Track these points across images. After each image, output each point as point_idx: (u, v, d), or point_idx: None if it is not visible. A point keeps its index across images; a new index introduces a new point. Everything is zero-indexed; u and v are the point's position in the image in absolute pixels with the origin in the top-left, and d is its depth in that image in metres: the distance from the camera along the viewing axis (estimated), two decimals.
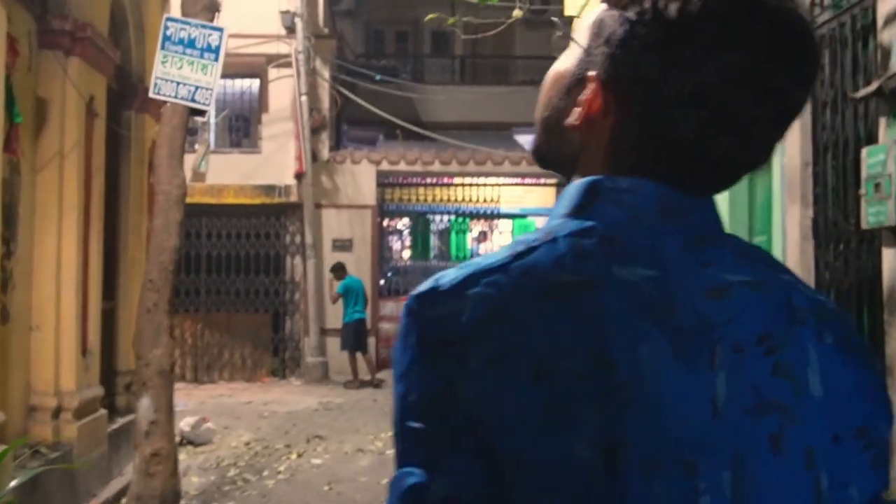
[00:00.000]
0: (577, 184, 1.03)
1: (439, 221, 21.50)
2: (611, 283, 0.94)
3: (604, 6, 1.05)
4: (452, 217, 21.55)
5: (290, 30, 17.04)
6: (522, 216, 22.39)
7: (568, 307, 0.92)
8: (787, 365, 0.95)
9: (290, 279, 17.62)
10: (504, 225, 22.65)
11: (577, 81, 1.05)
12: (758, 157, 1.03)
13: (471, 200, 20.82)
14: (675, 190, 1.00)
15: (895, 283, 5.21)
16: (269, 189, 17.32)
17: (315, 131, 17.46)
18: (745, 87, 0.96)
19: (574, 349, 0.90)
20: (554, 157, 1.11)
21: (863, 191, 5.31)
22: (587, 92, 1.03)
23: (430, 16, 6.78)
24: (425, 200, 20.57)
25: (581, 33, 1.08)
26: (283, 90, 17.47)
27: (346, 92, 18.31)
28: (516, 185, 21.03)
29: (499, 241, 22.81)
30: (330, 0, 19.25)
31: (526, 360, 0.90)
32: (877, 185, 5.16)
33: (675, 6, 0.97)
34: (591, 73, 1.03)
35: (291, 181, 17.26)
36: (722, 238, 1.02)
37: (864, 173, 5.33)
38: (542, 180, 20.88)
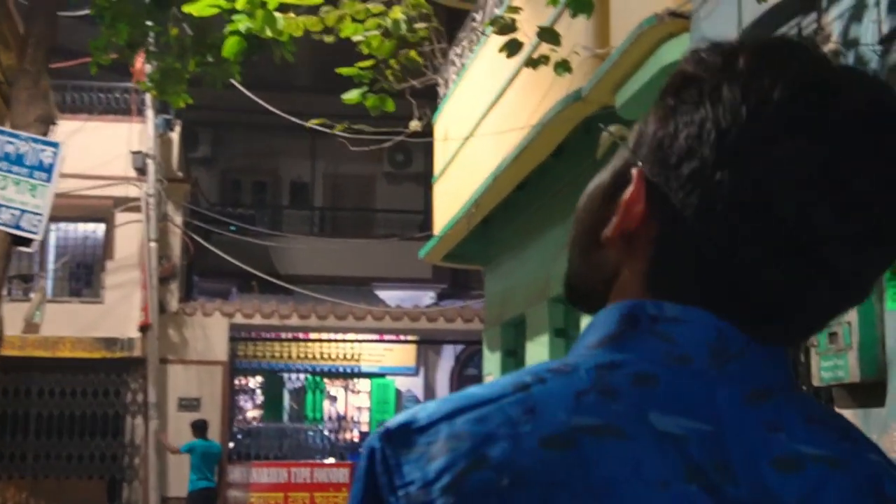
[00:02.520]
0: (611, 309, 0.83)
1: (295, 380, 20.61)
2: (648, 432, 0.74)
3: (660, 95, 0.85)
4: (308, 375, 20.75)
5: (141, 171, 16.15)
6: (381, 375, 21.73)
7: (585, 461, 0.72)
8: None
9: (129, 442, 16.46)
10: (363, 384, 21.84)
11: (618, 187, 0.86)
12: (840, 294, 0.81)
13: (329, 358, 20.07)
14: (735, 327, 0.79)
15: None
16: (110, 342, 16.25)
17: (164, 280, 16.55)
18: (818, 197, 0.76)
19: None
20: (585, 286, 0.90)
21: (813, 341, 4.56)
22: (627, 192, 0.83)
23: (315, 121, 5.96)
24: (280, 357, 19.75)
25: (632, 132, 0.88)
26: (131, 236, 16.55)
27: (199, 240, 17.32)
28: (376, 342, 20.34)
29: (357, 402, 21.94)
30: (185, 145, 18.41)
31: None
32: (831, 335, 4.43)
33: (738, 93, 0.79)
34: (634, 170, 0.84)
35: (136, 334, 16.31)
36: (789, 396, 0.80)
37: None
38: (403, 337, 20.25)
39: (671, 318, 0.81)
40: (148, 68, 9.79)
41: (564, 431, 0.74)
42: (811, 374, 4.70)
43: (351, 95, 5.03)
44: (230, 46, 5.48)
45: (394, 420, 0.79)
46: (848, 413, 4.50)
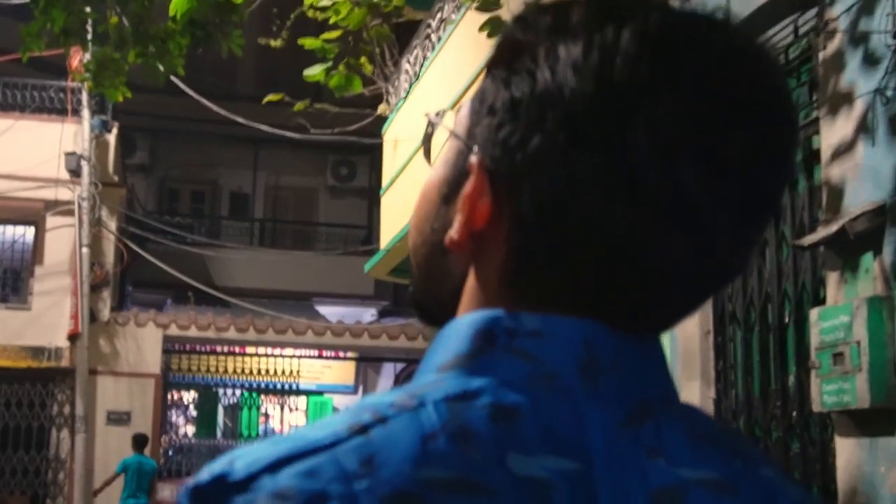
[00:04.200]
0: (460, 322, 0.73)
1: (230, 395, 20.01)
2: (507, 482, 0.65)
3: (486, 71, 0.76)
4: (244, 391, 20.19)
5: (75, 174, 15.54)
6: (319, 393, 21.26)
7: None
8: None
9: (54, 456, 15.82)
10: (300, 402, 21.32)
11: (457, 183, 0.76)
12: (721, 265, 0.72)
13: (266, 373, 19.54)
14: (605, 329, 0.70)
15: (856, 485, 4.03)
16: (37, 351, 15.68)
17: (95, 288, 15.98)
18: (685, 154, 0.67)
19: None
20: (432, 300, 0.80)
21: (815, 363, 4.16)
22: (467, 187, 0.73)
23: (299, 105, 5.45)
24: (216, 372, 19.17)
25: (460, 120, 0.78)
26: (62, 241, 15.95)
27: (134, 247, 16.69)
28: (315, 358, 19.87)
29: (293, 420, 21.40)
30: (121, 151, 17.77)
31: None
32: (836, 356, 4.03)
33: (578, 50, 0.69)
34: (472, 159, 0.73)
35: (64, 343, 15.74)
36: (671, 408, 0.72)
37: (814, 341, 4.21)
38: (343, 354, 19.81)
39: (531, 332, 0.70)
40: (87, 58, 9.23)
41: (409, 489, 0.63)
42: (810, 399, 4.31)
43: (313, 71, 4.53)
44: (178, 4, 4.97)
45: (206, 472, 0.67)
46: (851, 442, 4.12)
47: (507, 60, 0.74)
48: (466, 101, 0.79)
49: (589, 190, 0.68)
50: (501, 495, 0.64)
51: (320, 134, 6.43)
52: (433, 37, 11.37)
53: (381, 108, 5.75)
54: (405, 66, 12.45)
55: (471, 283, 0.75)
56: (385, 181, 13.34)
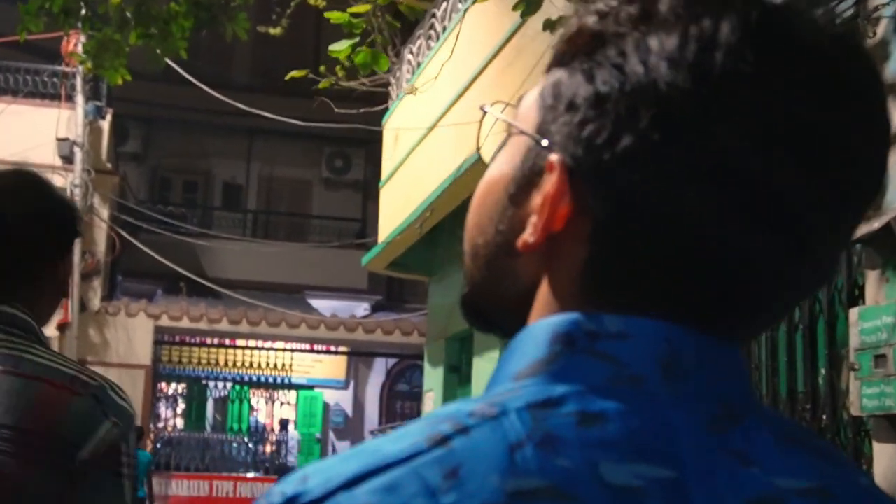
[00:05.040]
0: (536, 328, 0.70)
1: (220, 388, 19.82)
2: (600, 492, 0.62)
3: (555, 67, 0.73)
4: (232, 385, 20.03)
5: (68, 160, 15.29)
6: (310, 387, 21.09)
7: None
8: None
9: None
10: (290, 396, 21.17)
11: (527, 182, 0.73)
12: (814, 269, 0.70)
13: (258, 367, 19.35)
14: (688, 331, 0.68)
15: (894, 489, 3.86)
16: None
17: (86, 277, 15.77)
18: (784, 150, 0.65)
19: None
20: (495, 305, 0.77)
21: (855, 364, 3.98)
22: (547, 187, 0.70)
23: (294, 73, 5.23)
24: (206, 364, 18.96)
25: (525, 115, 0.75)
26: None
27: (126, 236, 16.45)
28: (307, 352, 19.70)
29: (284, 415, 21.24)
30: (115, 137, 17.54)
31: None
32: (878, 358, 3.85)
33: (673, 42, 0.66)
34: (552, 158, 0.70)
35: (53, 332, 15.36)
36: (755, 412, 0.69)
37: (854, 342, 4.03)
38: (334, 348, 19.64)
39: (614, 334, 0.68)
40: (83, 40, 9.02)
41: (498, 501, 0.61)
42: (848, 402, 4.12)
43: (339, 47, 4.31)
44: None
45: (277, 493, 0.64)
46: (891, 449, 3.94)
47: (586, 52, 0.70)
48: (529, 94, 0.76)
49: (680, 188, 0.66)
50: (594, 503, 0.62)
51: (321, 122, 6.25)
52: (438, 26, 11.18)
53: (408, 89, 5.57)
54: (407, 56, 12.25)
55: (544, 286, 0.73)
56: (385, 173, 13.14)
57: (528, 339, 0.70)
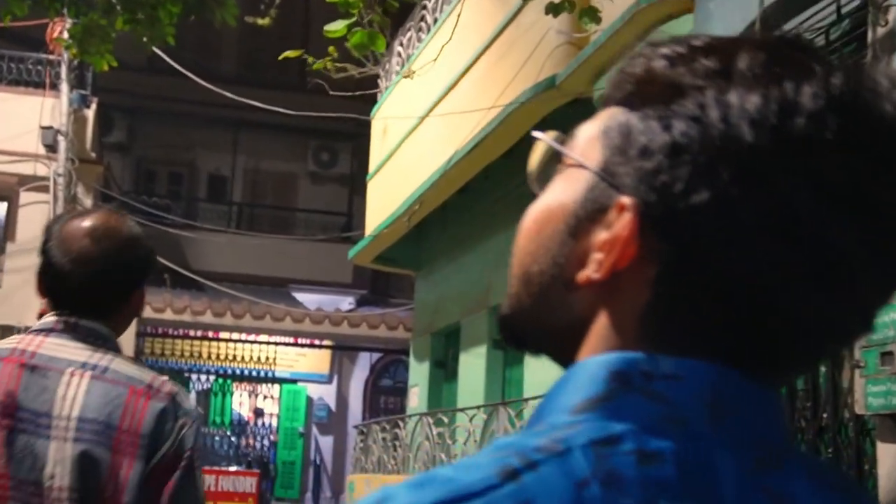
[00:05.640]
0: (592, 363, 0.72)
1: (204, 381, 19.67)
2: None
3: (619, 107, 0.75)
4: (215, 378, 19.89)
5: (51, 149, 15.08)
6: (294, 381, 20.96)
7: None
8: None
9: None
10: (274, 390, 21.03)
11: (588, 218, 0.75)
12: (863, 325, 0.73)
13: (242, 360, 19.19)
14: (734, 374, 0.71)
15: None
16: (6, 330, 14.97)
17: None
18: (851, 213, 0.69)
19: None
20: (541, 331, 0.79)
21: (860, 361, 3.90)
22: (619, 228, 0.72)
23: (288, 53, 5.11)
24: (189, 357, 18.81)
25: (585, 150, 0.77)
26: (36, 217, 15.41)
27: None
28: (291, 345, 19.58)
29: (267, 409, 21.11)
30: (100, 128, 17.35)
31: None
32: (885, 356, 3.77)
33: (755, 102, 0.69)
34: (625, 200, 0.72)
35: (35, 323, 14.88)
36: (793, 455, 0.72)
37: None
38: (319, 342, 19.52)
39: (668, 375, 0.70)
40: (69, 26, 8.87)
41: None
42: (853, 401, 4.04)
43: (336, 27, 4.20)
44: None
45: None
46: (893, 448, 3.85)
47: (662, 100, 0.72)
48: (586, 128, 0.78)
49: (751, 243, 0.68)
50: None
51: (310, 111, 6.13)
52: (429, 18, 11.07)
53: (406, 73, 5.44)
54: (397, 48, 12.14)
55: (601, 322, 0.74)
56: (372, 166, 13.03)
57: (583, 373, 0.72)
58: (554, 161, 0.80)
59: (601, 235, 0.73)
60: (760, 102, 0.68)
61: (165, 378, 2.04)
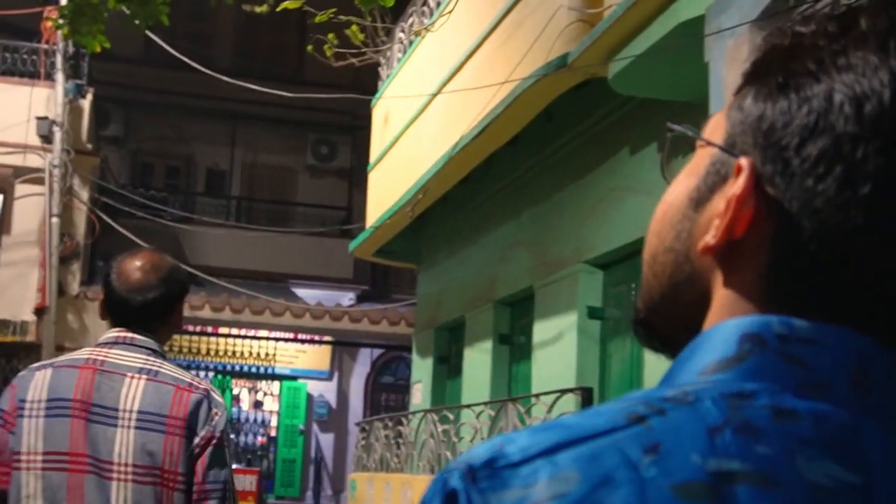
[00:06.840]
0: (724, 327, 0.72)
1: (203, 377, 19.46)
2: (799, 483, 0.64)
3: (746, 87, 0.77)
4: (214, 374, 19.73)
5: (47, 140, 14.93)
6: (294, 378, 20.76)
7: None
8: None
9: None
10: (273, 387, 20.85)
11: (709, 189, 0.76)
12: None
13: (241, 356, 18.98)
14: (877, 343, 0.70)
15: None
16: (1, 325, 15.26)
17: (65, 260, 15.43)
18: None
19: None
20: (670, 318, 0.79)
21: None
22: (734, 189, 0.72)
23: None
24: (187, 352, 18.60)
25: (713, 130, 0.79)
26: (31, 209, 15.45)
27: (107, 219, 16.06)
28: (291, 341, 19.35)
29: (266, 405, 20.90)
30: (96, 120, 17.10)
31: None
32: None
33: (875, 61, 0.70)
34: (741, 161, 0.73)
35: (30, 317, 15.20)
36: None
37: None
38: (319, 338, 19.28)
39: (804, 339, 0.69)
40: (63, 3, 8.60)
41: (700, 479, 0.63)
42: None
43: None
44: None
45: (473, 455, 0.67)
46: None
47: (782, 64, 0.74)
48: (719, 113, 0.80)
49: (872, 201, 0.68)
50: (795, 493, 0.63)
51: (308, 94, 5.87)
52: (431, 2, 10.79)
53: (421, 28, 5.18)
54: (398, 34, 11.87)
55: (721, 290, 0.75)
56: (373, 156, 12.75)
57: (716, 337, 0.71)
58: (685, 150, 0.81)
59: (720, 203, 0.73)
60: (878, 56, 0.69)
61: (201, 378, 2.33)
